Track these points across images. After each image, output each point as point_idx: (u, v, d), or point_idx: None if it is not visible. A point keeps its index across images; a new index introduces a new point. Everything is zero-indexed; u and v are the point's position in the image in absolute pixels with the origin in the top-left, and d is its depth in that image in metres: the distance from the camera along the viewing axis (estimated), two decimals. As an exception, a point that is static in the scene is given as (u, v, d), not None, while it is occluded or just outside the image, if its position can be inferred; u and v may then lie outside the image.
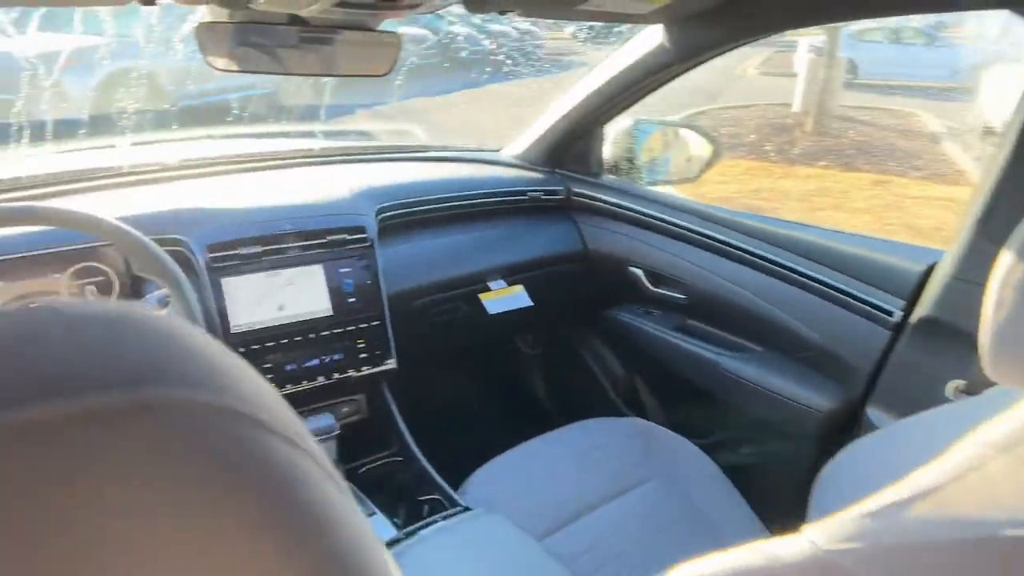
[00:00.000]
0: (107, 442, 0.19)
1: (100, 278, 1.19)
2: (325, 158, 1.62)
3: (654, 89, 1.45)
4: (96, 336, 0.21)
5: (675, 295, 1.56)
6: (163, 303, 1.09)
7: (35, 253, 1.14)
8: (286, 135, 1.78)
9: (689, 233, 1.51)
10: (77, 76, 4.52)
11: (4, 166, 1.45)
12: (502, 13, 1.02)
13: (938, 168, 5.91)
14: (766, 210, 4.72)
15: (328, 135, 1.83)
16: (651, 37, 1.32)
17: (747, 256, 1.41)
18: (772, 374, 1.36)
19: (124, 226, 0.97)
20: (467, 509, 1.12)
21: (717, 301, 1.48)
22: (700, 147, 1.71)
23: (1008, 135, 1.03)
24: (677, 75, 1.37)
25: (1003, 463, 0.40)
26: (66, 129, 1.42)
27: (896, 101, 8.10)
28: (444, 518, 1.10)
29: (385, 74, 1.00)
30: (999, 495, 0.40)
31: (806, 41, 9.25)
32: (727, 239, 1.45)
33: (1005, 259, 0.58)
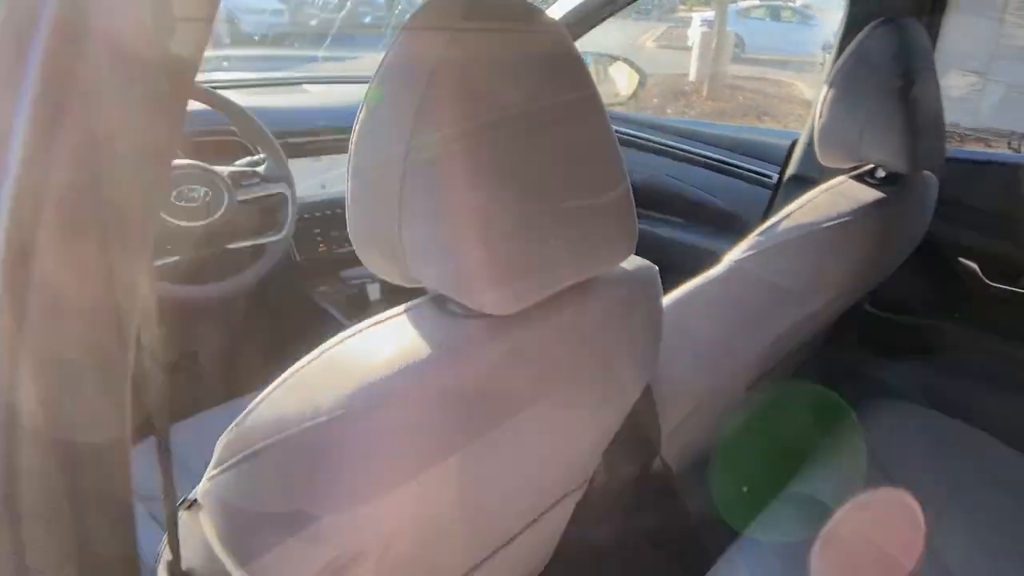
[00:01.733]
0: None
1: None
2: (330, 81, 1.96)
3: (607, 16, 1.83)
4: None
5: None
6: (258, 162, 1.36)
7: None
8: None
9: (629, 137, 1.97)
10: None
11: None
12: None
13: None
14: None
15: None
16: None
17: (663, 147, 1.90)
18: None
19: (236, 102, 1.29)
20: None
21: (639, 187, 1.94)
22: (630, 76, 2.16)
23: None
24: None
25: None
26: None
27: (779, 73, 8.98)
28: None
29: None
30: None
31: (699, 16, 10.07)
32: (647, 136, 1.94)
33: (822, 92, 1.08)
